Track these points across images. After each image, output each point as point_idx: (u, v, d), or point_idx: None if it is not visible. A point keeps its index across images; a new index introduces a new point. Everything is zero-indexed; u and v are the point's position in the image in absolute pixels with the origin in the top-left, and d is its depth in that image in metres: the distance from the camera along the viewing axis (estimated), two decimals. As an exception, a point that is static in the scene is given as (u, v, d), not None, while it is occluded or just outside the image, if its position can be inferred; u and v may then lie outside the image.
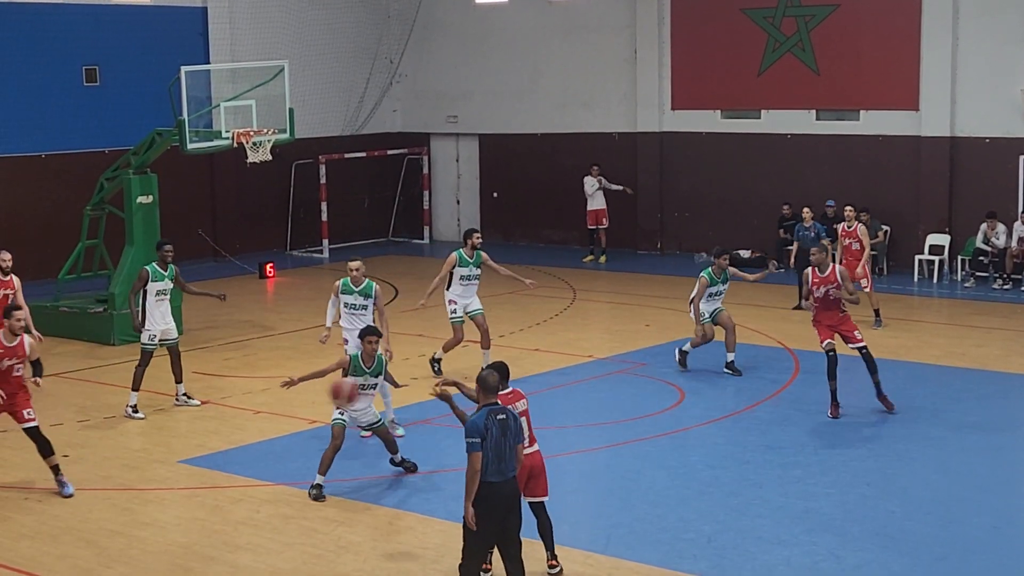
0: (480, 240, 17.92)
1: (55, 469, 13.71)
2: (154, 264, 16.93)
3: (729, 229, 27.61)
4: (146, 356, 16.56)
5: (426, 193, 32.49)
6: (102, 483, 13.87)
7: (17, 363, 13.59)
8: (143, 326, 16.65)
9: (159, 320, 16.71)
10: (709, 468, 14.09)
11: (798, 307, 22.49)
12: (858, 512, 12.67)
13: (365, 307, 15.30)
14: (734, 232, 27.51)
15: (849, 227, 21.41)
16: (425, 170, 32.41)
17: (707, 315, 17.92)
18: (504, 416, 10.07)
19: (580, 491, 13.30)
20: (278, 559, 11.64)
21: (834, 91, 26.87)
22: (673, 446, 14.93)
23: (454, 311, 17.78)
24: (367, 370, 13.28)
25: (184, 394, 16.97)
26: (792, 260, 22.88)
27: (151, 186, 21.10)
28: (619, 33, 29.47)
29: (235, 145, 21.31)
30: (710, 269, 17.91)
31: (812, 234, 22.19)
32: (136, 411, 16.43)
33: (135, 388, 16.50)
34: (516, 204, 31.06)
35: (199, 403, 16.91)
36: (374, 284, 15.36)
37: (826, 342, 16.01)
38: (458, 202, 32.62)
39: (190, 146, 20.81)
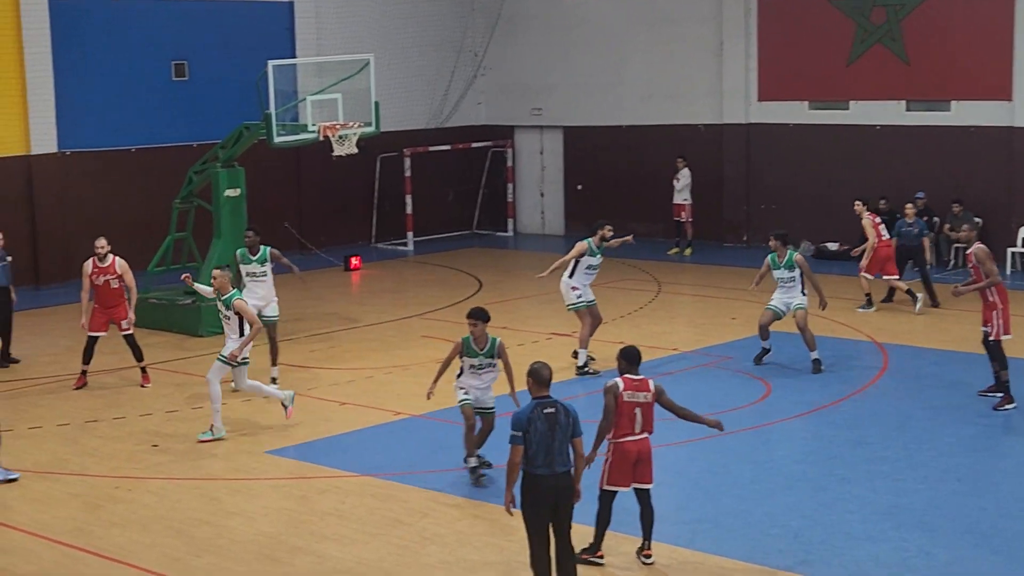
0: (611, 232, 17.91)
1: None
2: (243, 249, 17.68)
3: (816, 221, 27.32)
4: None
5: (510, 186, 32.49)
6: (191, 472, 14.03)
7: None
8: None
9: (249, 299, 16.95)
10: (795, 462, 13.97)
11: (887, 299, 22.17)
12: (948, 508, 12.47)
13: (227, 318, 15.39)
14: (821, 225, 27.21)
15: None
16: (509, 163, 32.41)
17: (783, 307, 17.88)
18: (553, 410, 10.08)
19: (665, 485, 13.19)
20: (364, 549, 11.71)
21: (924, 81, 26.45)
22: (759, 440, 14.82)
23: (579, 296, 17.77)
24: (480, 352, 13.33)
25: (273, 378, 17.12)
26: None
27: (239, 179, 21.32)
28: (705, 24, 29.25)
29: (321, 138, 21.42)
30: (775, 253, 17.88)
31: (915, 231, 21.81)
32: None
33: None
34: (600, 196, 30.91)
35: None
36: (234, 299, 15.27)
37: (982, 328, 15.80)
38: (542, 195, 32.59)
39: (277, 140, 20.95)
